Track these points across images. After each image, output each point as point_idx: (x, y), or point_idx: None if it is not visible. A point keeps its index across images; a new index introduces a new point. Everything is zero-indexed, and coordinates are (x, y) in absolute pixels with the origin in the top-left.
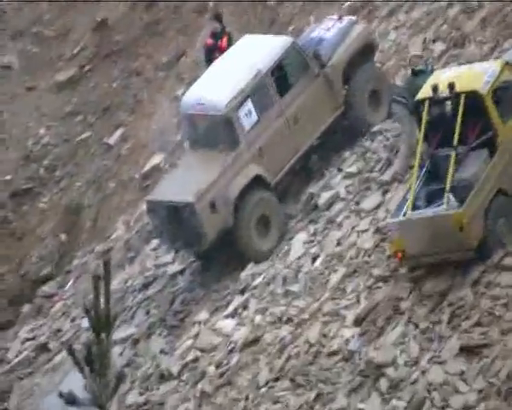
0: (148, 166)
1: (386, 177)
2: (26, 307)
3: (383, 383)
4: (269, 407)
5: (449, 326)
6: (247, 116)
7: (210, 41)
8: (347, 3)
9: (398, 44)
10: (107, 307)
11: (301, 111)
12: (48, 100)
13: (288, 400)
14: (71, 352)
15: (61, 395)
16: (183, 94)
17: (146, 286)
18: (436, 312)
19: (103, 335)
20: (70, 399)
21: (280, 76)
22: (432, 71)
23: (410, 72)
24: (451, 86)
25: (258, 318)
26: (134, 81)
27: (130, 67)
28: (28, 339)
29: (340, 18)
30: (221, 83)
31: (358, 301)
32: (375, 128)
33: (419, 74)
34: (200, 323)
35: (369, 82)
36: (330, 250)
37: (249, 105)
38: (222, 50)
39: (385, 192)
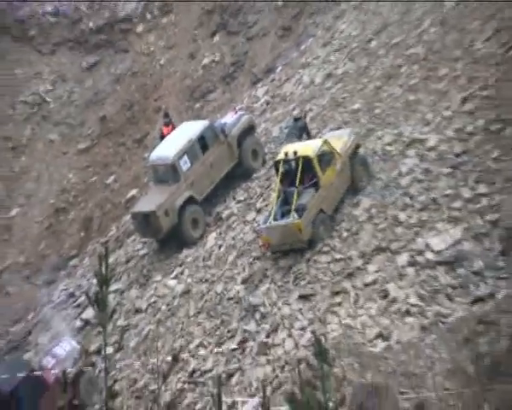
0: (128, 196)
1: (259, 203)
2: (61, 272)
3: (257, 315)
4: (194, 328)
5: (293, 284)
6: (185, 164)
7: (163, 128)
8: (239, 106)
9: (266, 130)
10: (106, 272)
11: (214, 161)
12: (74, 159)
13: (205, 324)
14: (87, 296)
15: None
16: (148, 155)
17: (127, 261)
18: (286, 276)
19: (104, 288)
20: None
21: (203, 142)
22: (305, 122)
23: (292, 118)
24: (295, 153)
25: (189, 279)
26: (121, 150)
27: (118, 142)
28: (63, 290)
29: (236, 112)
30: (170, 146)
31: (244, 270)
32: (254, 175)
33: (297, 120)
34: (157, 281)
35: (251, 145)
36: (229, 242)
37: (186, 157)
38: (169, 133)
39: (258, 211)
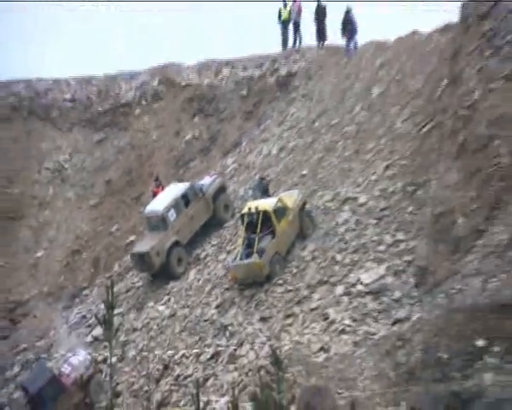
0: (128, 240)
1: (229, 247)
2: (76, 300)
3: (227, 333)
4: (179, 343)
5: (255, 309)
6: (172, 215)
7: (154, 189)
8: (213, 172)
9: (234, 191)
10: (112, 300)
11: (194, 214)
12: (86, 213)
13: (187, 339)
14: (97, 318)
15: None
16: (143, 209)
17: (127, 291)
18: (250, 303)
19: (110, 311)
20: None
21: (185, 199)
22: (268, 181)
23: (258, 178)
24: (257, 208)
25: (175, 305)
26: (122, 205)
27: (120, 199)
28: (77, 313)
29: (211, 176)
30: (160, 202)
31: (217, 298)
32: (225, 225)
33: (262, 180)
34: (150, 307)
35: (223, 201)
36: (205, 277)
37: (172, 211)
38: (159, 192)
39: (228, 252)
